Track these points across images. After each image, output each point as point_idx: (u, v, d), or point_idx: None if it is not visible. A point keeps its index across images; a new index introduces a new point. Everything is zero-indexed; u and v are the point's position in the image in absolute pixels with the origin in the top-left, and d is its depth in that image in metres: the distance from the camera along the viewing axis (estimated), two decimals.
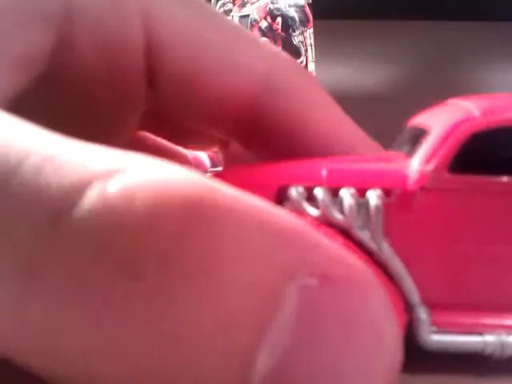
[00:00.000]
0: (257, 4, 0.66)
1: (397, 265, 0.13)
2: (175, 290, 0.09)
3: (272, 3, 0.66)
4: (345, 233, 0.13)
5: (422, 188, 0.13)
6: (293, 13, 0.66)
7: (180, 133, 0.22)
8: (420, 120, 0.16)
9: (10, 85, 0.14)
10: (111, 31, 0.16)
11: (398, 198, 0.13)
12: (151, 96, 0.18)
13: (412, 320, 0.13)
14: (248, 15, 0.66)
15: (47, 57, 0.15)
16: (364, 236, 0.13)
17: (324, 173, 0.14)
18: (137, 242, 0.09)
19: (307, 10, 0.67)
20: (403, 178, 0.13)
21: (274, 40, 0.66)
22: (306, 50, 0.66)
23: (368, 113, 0.79)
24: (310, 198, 0.14)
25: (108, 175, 0.09)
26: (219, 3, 0.65)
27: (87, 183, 0.09)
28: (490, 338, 0.13)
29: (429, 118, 0.15)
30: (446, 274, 0.13)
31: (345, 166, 0.15)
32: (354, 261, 0.10)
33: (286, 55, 0.18)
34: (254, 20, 0.66)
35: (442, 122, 0.14)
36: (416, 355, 0.13)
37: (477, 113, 0.13)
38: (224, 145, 0.22)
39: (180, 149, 0.24)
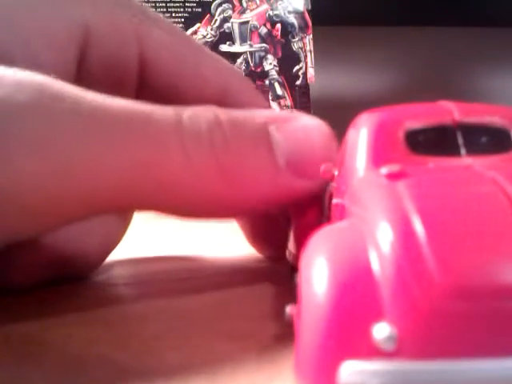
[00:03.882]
0: (256, 10, 0.66)
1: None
2: None
3: (271, 10, 0.66)
4: None
5: None
6: (292, 19, 0.67)
7: None
8: None
9: None
10: (114, 50, 0.21)
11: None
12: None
13: None
14: (247, 21, 0.66)
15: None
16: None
17: None
18: None
19: (306, 16, 0.67)
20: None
21: (274, 46, 0.66)
22: (306, 56, 0.66)
23: None
24: None
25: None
26: (219, 10, 0.65)
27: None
28: None
29: None
30: None
31: None
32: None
33: (236, 69, 0.27)
34: (254, 26, 0.66)
35: None
36: None
37: None
38: None
39: None
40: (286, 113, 0.19)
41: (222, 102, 0.23)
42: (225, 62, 0.24)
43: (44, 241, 0.21)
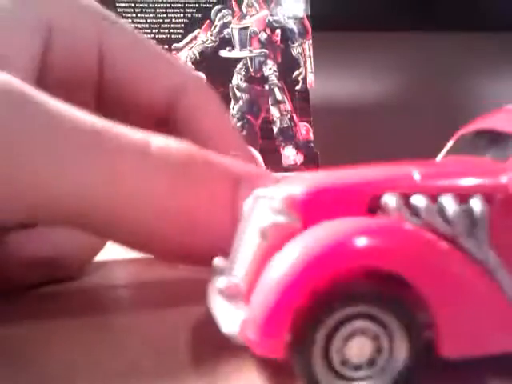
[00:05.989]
0: (256, 16, 0.66)
1: (504, 276, 0.12)
2: None
3: (271, 15, 0.67)
4: (450, 241, 0.12)
5: None
6: (292, 25, 0.67)
7: None
8: (490, 124, 0.15)
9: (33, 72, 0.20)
10: (75, 48, 0.22)
11: (501, 204, 0.13)
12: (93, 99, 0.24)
13: None
14: (247, 27, 0.66)
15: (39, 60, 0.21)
16: (470, 245, 0.12)
17: (417, 178, 0.13)
18: None
19: (306, 21, 0.67)
20: (505, 183, 0.13)
21: (274, 51, 0.66)
22: (305, 62, 0.67)
23: (367, 124, 0.79)
24: (407, 205, 0.13)
25: None
26: (218, 15, 0.66)
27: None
28: None
29: (501, 122, 0.15)
30: None
31: (434, 170, 0.14)
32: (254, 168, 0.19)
33: (194, 72, 0.26)
34: (254, 32, 0.66)
35: None
36: None
37: None
38: None
39: None
40: (259, 170, 0.20)
41: (174, 100, 0.24)
42: (183, 65, 0.25)
43: (16, 244, 0.21)
